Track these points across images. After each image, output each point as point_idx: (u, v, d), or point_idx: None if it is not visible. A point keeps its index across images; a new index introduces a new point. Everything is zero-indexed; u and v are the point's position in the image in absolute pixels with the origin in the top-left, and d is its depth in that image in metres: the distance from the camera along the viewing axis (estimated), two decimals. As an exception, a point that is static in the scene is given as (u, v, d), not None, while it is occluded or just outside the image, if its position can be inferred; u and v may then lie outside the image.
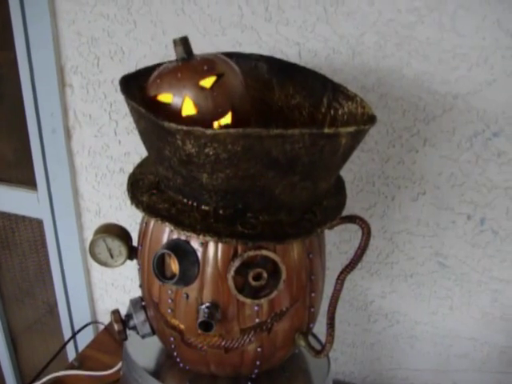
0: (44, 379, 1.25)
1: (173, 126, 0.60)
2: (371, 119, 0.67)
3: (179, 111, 0.68)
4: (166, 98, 0.69)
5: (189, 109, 0.68)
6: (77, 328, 1.51)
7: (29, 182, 1.44)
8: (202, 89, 0.68)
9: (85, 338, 1.47)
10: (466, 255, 1.04)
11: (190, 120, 0.68)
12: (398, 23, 0.91)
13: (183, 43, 0.71)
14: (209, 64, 0.70)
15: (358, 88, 0.97)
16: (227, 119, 0.71)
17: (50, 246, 1.47)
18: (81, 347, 1.49)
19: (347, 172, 1.04)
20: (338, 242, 1.11)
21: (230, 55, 0.82)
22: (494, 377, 1.13)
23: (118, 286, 1.44)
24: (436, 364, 1.17)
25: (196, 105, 0.68)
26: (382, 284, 1.13)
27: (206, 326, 0.71)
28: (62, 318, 1.60)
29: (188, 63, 0.70)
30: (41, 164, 1.35)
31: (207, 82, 0.69)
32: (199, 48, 0.81)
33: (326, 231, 0.78)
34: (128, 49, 1.14)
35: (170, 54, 1.08)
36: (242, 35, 1.02)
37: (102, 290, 1.49)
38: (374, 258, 1.11)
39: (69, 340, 1.44)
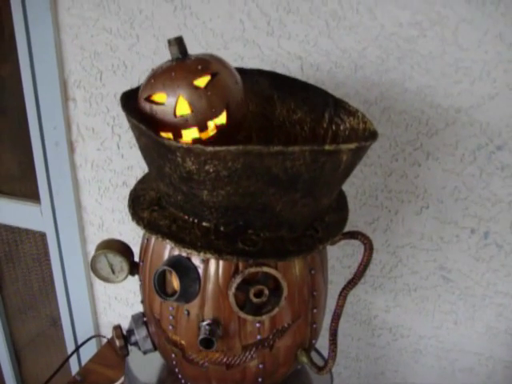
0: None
1: (173, 143, 0.60)
2: (373, 135, 0.67)
3: (173, 111, 0.68)
4: (160, 97, 0.69)
5: (183, 108, 0.68)
6: (80, 341, 1.51)
7: (32, 195, 1.44)
8: (196, 88, 0.67)
9: (88, 352, 1.46)
10: (470, 269, 1.03)
11: (183, 120, 0.68)
12: (400, 37, 0.91)
13: (178, 43, 0.71)
14: (203, 63, 0.69)
15: (361, 102, 0.97)
16: (222, 119, 0.70)
17: (54, 259, 1.47)
18: (84, 360, 1.49)
19: (350, 186, 1.04)
20: (341, 256, 1.11)
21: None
22: (499, 392, 1.12)
23: (121, 299, 1.44)
24: (441, 378, 1.16)
25: (190, 104, 0.67)
26: (386, 298, 1.13)
27: (207, 343, 0.70)
28: (65, 332, 1.59)
29: (182, 63, 0.70)
30: (44, 177, 1.35)
31: (201, 81, 0.68)
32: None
33: (329, 246, 0.77)
34: (131, 63, 1.14)
35: (172, 68, 1.08)
36: (244, 49, 1.02)
37: (105, 303, 1.48)
38: (377, 272, 1.10)
39: (72, 354, 1.44)
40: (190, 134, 0.69)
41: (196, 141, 0.70)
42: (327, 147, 0.61)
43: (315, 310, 0.78)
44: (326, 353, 0.83)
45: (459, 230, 1.01)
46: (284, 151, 0.59)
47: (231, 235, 0.68)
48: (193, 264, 0.71)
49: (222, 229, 0.69)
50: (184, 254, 0.71)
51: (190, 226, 0.69)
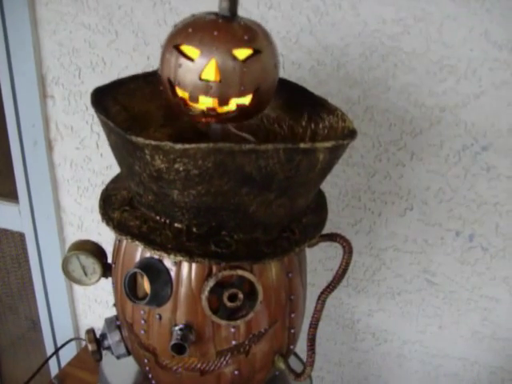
0: (22, 398, 1.22)
1: (140, 140, 0.57)
2: (351, 134, 0.65)
3: (200, 72, 0.61)
4: (191, 52, 0.61)
5: (210, 74, 0.61)
6: (60, 344, 1.48)
7: (11, 195, 1.41)
8: (234, 59, 0.60)
9: (68, 354, 1.43)
10: (455, 272, 1.01)
11: (207, 86, 0.61)
12: (384, 34, 0.88)
13: None
14: (250, 34, 0.62)
15: (343, 100, 0.95)
16: (246, 99, 0.64)
17: (32, 261, 1.44)
18: (64, 363, 1.45)
19: (332, 187, 1.01)
20: (324, 258, 1.08)
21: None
22: (484, 398, 1.10)
23: (100, 301, 1.41)
24: (425, 384, 1.15)
25: (221, 73, 0.60)
26: (369, 302, 1.10)
27: (179, 349, 0.67)
28: (44, 334, 1.56)
29: (229, 24, 0.62)
30: (22, 176, 1.32)
31: (241, 53, 0.61)
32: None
33: (311, 248, 0.75)
34: (110, 59, 1.11)
35: (152, 65, 1.06)
36: None
37: (84, 305, 1.45)
38: (360, 275, 1.08)
39: (50, 357, 1.41)
40: (207, 103, 0.63)
41: (210, 111, 0.64)
42: (302, 145, 0.58)
43: (293, 315, 0.76)
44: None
45: (444, 232, 0.99)
46: (256, 149, 0.56)
47: (204, 237, 0.65)
48: (165, 266, 0.68)
49: (194, 230, 0.66)
50: (156, 256, 0.69)
51: (161, 227, 0.67)
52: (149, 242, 0.64)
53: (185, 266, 0.68)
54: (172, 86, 0.64)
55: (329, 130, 0.71)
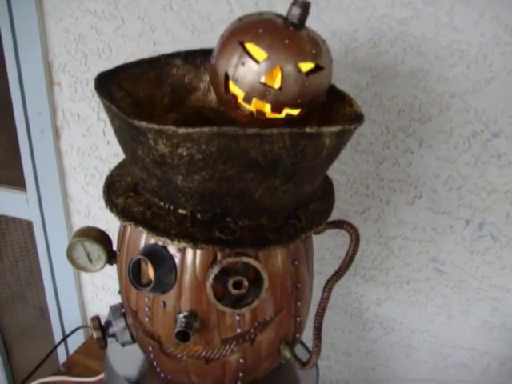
0: (30, 385, 1.22)
1: (143, 124, 0.56)
2: (358, 118, 0.63)
3: (262, 76, 0.61)
4: (258, 53, 0.61)
5: (272, 80, 0.61)
6: (68, 332, 1.48)
7: (18, 183, 1.41)
8: (299, 71, 0.60)
9: (76, 342, 1.43)
10: (465, 261, 1.00)
11: (265, 91, 0.61)
12: (393, 18, 0.87)
13: (303, 7, 0.61)
14: (317, 49, 0.62)
15: (352, 86, 0.93)
16: (297, 111, 0.64)
17: (40, 249, 1.44)
18: (72, 351, 1.45)
19: (340, 174, 1.00)
20: (332, 246, 1.07)
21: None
22: (493, 388, 1.09)
23: (108, 289, 1.41)
24: (433, 374, 1.13)
25: (283, 81, 0.60)
26: (377, 291, 1.09)
27: (183, 337, 0.67)
28: (53, 322, 1.56)
29: (299, 34, 0.61)
30: (30, 164, 1.32)
31: (306, 66, 0.61)
32: (188, 46, 0.77)
33: (319, 235, 0.74)
34: (116, 46, 1.10)
35: (158, 51, 1.05)
36: None
37: (92, 293, 1.45)
38: (368, 263, 1.07)
39: (57, 345, 1.41)
40: (260, 106, 0.63)
41: (260, 115, 0.64)
42: (308, 130, 0.57)
43: (299, 303, 0.75)
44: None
45: (453, 220, 0.97)
46: (261, 133, 0.55)
47: (208, 223, 0.64)
48: (169, 253, 0.67)
49: (198, 216, 0.65)
50: (160, 243, 0.68)
51: (165, 213, 0.66)
52: (152, 228, 0.63)
53: (189, 252, 0.67)
54: (227, 80, 0.63)
55: (336, 114, 0.70)
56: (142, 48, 1.08)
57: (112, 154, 1.21)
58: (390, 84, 0.91)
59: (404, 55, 0.89)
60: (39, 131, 1.26)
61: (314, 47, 0.62)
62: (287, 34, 0.61)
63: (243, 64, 0.61)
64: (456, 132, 0.91)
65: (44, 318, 1.64)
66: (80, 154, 1.26)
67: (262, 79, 0.61)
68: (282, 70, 0.60)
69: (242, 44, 0.61)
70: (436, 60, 0.87)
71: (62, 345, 1.53)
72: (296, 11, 0.61)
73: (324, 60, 0.63)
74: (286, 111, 0.64)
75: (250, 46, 0.61)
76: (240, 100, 0.64)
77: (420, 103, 0.91)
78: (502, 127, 0.88)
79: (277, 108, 0.63)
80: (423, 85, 0.90)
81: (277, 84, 0.61)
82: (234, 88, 0.63)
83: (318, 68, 0.62)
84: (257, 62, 0.60)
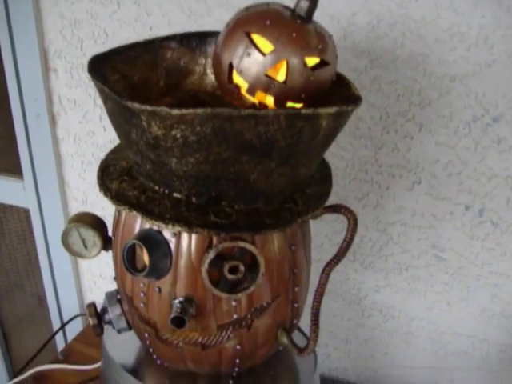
0: (27, 373, 1.22)
1: (136, 106, 0.55)
2: (356, 100, 0.62)
3: (267, 68, 0.60)
4: (264, 46, 0.60)
5: (277, 73, 0.61)
6: (66, 320, 1.47)
7: (15, 171, 1.39)
8: (305, 65, 0.60)
9: (75, 330, 1.43)
10: (464, 248, 0.99)
11: (270, 84, 0.61)
12: (392, 1, 0.86)
13: (312, 1, 0.61)
14: (323, 44, 0.61)
15: (350, 70, 0.92)
16: (299, 105, 0.64)
17: (38, 237, 1.43)
18: (70, 339, 1.45)
19: (339, 160, 0.99)
20: (331, 233, 1.06)
21: (209, 34, 0.78)
22: (493, 376, 1.08)
23: (105, 277, 1.40)
24: (433, 362, 1.13)
25: (288, 75, 0.60)
26: (376, 278, 1.08)
27: (178, 322, 0.66)
28: (51, 310, 1.56)
29: (306, 28, 0.61)
30: (26, 151, 1.31)
31: (311, 60, 0.61)
32: (184, 30, 0.76)
33: (317, 221, 0.73)
34: (112, 31, 1.09)
35: (154, 35, 1.03)
36: (228, 15, 0.94)
37: (90, 281, 1.44)
38: (367, 250, 1.06)
39: (55, 333, 1.40)
40: (263, 99, 0.63)
41: (262, 107, 0.64)
42: (304, 111, 0.56)
43: (296, 289, 0.74)
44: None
45: (453, 206, 0.97)
46: (256, 114, 0.54)
47: (203, 207, 0.63)
48: (164, 238, 0.66)
49: (193, 200, 0.64)
50: (155, 228, 0.67)
51: (160, 197, 0.65)
52: (147, 212, 0.62)
53: (184, 237, 0.66)
54: (231, 70, 0.62)
55: (333, 96, 0.68)
56: (138, 32, 1.06)
57: (109, 140, 1.20)
58: (389, 68, 0.90)
59: (403, 39, 0.87)
60: (35, 118, 1.25)
61: (320, 42, 0.61)
62: (295, 27, 0.60)
63: (249, 55, 0.61)
64: (456, 116, 0.90)
65: (42, 306, 1.64)
66: (77, 141, 1.24)
67: (268, 72, 0.60)
68: (287, 64, 0.60)
69: (248, 35, 0.61)
70: (436, 43, 0.86)
71: (61, 333, 1.53)
72: (304, 4, 0.61)
73: (329, 55, 0.63)
74: (289, 105, 0.63)
75: (256, 38, 0.61)
76: (243, 91, 0.63)
77: (420, 87, 0.90)
78: (502, 111, 0.87)
79: (281, 101, 0.63)
80: (423, 68, 0.88)
81: (281, 77, 0.61)
82: (237, 79, 0.63)
83: (323, 63, 0.62)
84: (263, 53, 0.60)
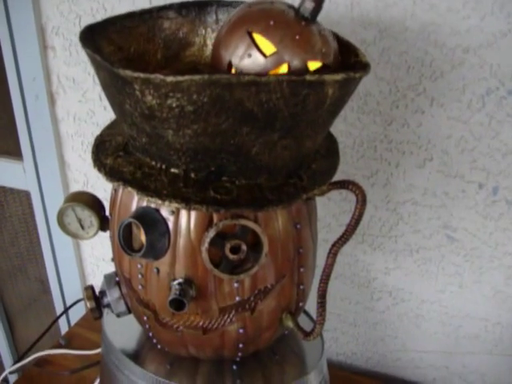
0: (28, 358, 1.20)
1: (128, 73, 0.52)
2: (364, 67, 0.59)
3: (266, 68, 0.58)
4: (267, 47, 0.58)
5: None
6: (69, 304, 1.45)
7: (14, 152, 1.37)
8: (306, 69, 0.58)
9: (78, 314, 1.41)
10: (477, 228, 0.96)
11: None
12: (402, -33, 0.82)
13: (317, 1, 0.58)
14: (327, 49, 0.59)
15: (358, 42, 0.88)
16: None
17: (39, 219, 1.41)
18: (73, 324, 1.43)
19: (346, 136, 0.96)
20: (338, 213, 1.03)
21: (209, 3, 0.74)
22: (506, 360, 1.06)
23: (108, 260, 1.38)
24: (444, 346, 1.10)
25: None
26: (386, 259, 1.05)
27: (177, 305, 0.63)
28: (54, 295, 1.54)
29: (310, 31, 0.59)
30: (25, 133, 1.28)
31: (314, 65, 0.59)
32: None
33: (324, 201, 0.70)
34: (110, 6, 1.05)
35: (154, 10, 1.00)
36: None
37: (92, 265, 1.42)
38: (376, 230, 1.02)
39: (58, 317, 1.38)
40: None
41: None
42: (308, 77, 0.52)
43: (302, 270, 0.71)
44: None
45: (465, 184, 0.93)
46: (257, 81, 0.50)
47: (202, 182, 0.60)
48: (161, 216, 0.63)
49: (192, 175, 0.61)
50: (153, 205, 0.63)
51: (156, 173, 0.62)
52: (142, 188, 0.59)
53: (183, 215, 0.62)
54: (229, 68, 0.60)
55: (340, 64, 0.65)
56: (137, 6, 1.01)
57: (109, 119, 1.15)
58: (399, 39, 0.86)
59: (414, 8, 0.84)
60: (34, 97, 1.22)
61: (324, 45, 0.59)
62: (298, 30, 0.58)
63: (249, 56, 0.58)
64: (469, 89, 0.86)
65: (45, 290, 1.62)
66: (76, 121, 1.21)
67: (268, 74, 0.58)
68: (289, 67, 0.57)
69: (250, 34, 0.58)
70: (448, 12, 0.82)
71: (64, 318, 1.51)
72: (310, 5, 0.59)
73: (331, 59, 0.60)
74: None
75: (258, 38, 0.58)
76: None
77: (431, 59, 0.86)
78: (518, 84, 0.83)
79: None
80: (434, 39, 0.85)
81: None
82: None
83: (324, 67, 0.59)
84: (264, 55, 0.58)
